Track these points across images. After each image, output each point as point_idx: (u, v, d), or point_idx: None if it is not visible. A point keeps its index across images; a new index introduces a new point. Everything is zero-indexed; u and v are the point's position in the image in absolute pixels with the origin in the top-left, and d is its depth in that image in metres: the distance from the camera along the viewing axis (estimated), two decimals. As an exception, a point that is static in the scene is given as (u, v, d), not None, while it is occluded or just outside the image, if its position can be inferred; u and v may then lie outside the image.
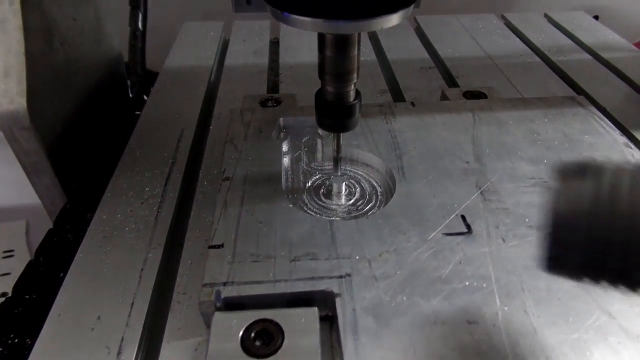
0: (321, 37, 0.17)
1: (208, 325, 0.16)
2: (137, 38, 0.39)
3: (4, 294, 0.32)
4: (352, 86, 0.18)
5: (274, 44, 0.38)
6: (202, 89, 0.31)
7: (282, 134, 0.24)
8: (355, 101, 0.18)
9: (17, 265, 0.34)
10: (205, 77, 0.33)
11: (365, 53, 0.37)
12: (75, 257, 0.19)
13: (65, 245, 0.22)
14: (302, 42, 0.38)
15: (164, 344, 0.16)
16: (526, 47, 0.37)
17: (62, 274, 0.20)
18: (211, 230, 0.19)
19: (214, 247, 0.18)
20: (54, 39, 0.24)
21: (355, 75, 0.18)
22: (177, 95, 0.31)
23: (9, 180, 0.41)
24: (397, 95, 0.32)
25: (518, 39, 0.39)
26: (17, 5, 0.21)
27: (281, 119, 0.25)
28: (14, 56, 0.21)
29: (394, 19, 0.15)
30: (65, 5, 0.26)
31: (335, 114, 0.18)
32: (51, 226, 0.38)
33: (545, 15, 0.43)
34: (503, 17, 0.43)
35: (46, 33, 0.24)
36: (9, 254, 0.35)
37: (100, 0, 0.33)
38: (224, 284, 0.16)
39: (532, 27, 0.40)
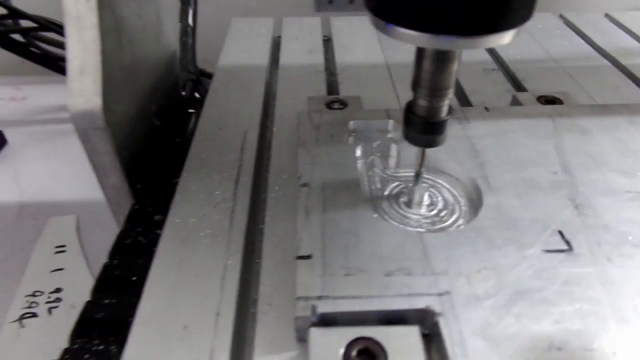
0: (420, 50, 0.16)
1: (300, 339, 0.16)
2: (188, 34, 0.39)
3: (58, 290, 0.32)
4: (446, 101, 0.17)
5: (327, 42, 0.37)
6: (260, 88, 0.31)
7: (353, 138, 0.24)
8: (448, 117, 0.17)
9: (69, 260, 0.34)
10: (261, 76, 0.32)
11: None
12: (154, 263, 0.19)
13: (138, 248, 0.21)
14: (355, 41, 0.37)
15: (256, 357, 0.16)
16: (591, 49, 0.36)
17: (135, 278, 0.20)
18: (296, 239, 0.18)
19: (302, 257, 0.17)
20: (122, 36, 0.24)
21: (451, 90, 0.17)
22: (235, 95, 0.30)
23: (59, 175, 0.41)
24: (463, 98, 0.31)
25: (581, 40, 0.37)
26: (93, 3, 0.20)
27: (351, 122, 0.24)
28: (89, 55, 0.21)
29: (507, 37, 0.14)
30: (131, 2, 0.26)
31: (425, 129, 0.18)
32: (101, 221, 0.38)
33: (607, 15, 0.41)
34: (562, 17, 0.42)
35: (115, 31, 0.23)
36: (61, 249, 0.35)
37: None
38: (319, 297, 0.15)
39: (594, 27, 0.39)
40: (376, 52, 0.35)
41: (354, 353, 0.14)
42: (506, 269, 0.16)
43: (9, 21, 0.40)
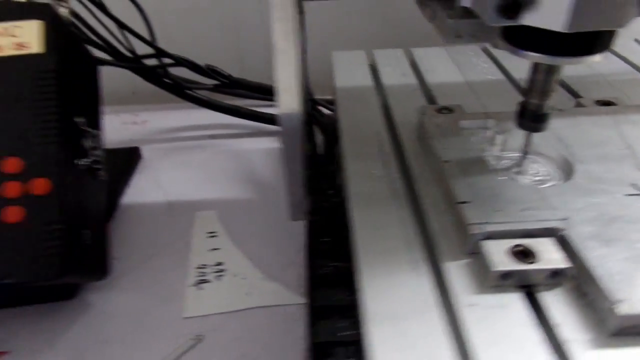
0: (536, 65, 0.25)
1: (470, 252, 0.24)
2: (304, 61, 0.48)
3: (219, 263, 0.41)
4: (549, 100, 0.26)
5: (414, 67, 0.47)
6: (375, 102, 0.40)
7: (466, 132, 0.33)
8: (550, 111, 0.26)
9: (221, 243, 0.43)
10: (372, 94, 0.41)
11: (492, 72, 0.45)
12: (355, 225, 0.27)
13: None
14: (436, 65, 0.46)
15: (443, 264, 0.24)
16: (627, 66, 0.45)
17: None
18: (452, 193, 0.27)
19: (461, 202, 0.26)
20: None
21: (554, 92, 0.26)
22: (358, 107, 0.39)
23: (190, 180, 0.51)
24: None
25: (617, 59, 0.46)
26: (294, 40, 0.30)
27: (463, 121, 0.33)
28: (291, 76, 0.30)
29: (597, 58, 0.23)
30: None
31: (535, 119, 0.26)
32: (233, 214, 0.46)
33: (636, 40, 0.50)
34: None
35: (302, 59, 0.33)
36: (212, 234, 0.44)
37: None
38: (485, 223, 0.24)
39: (628, 49, 0.48)
40: (455, 73, 0.44)
41: (515, 249, 0.23)
42: (602, 206, 0.25)
43: (153, 59, 0.51)
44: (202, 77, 0.55)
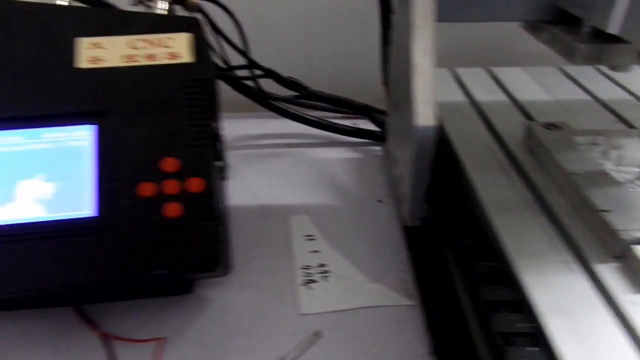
0: None
1: (617, 257, 0.26)
2: (387, 73, 0.51)
3: (322, 265, 0.43)
4: None
5: (499, 85, 0.49)
6: (474, 116, 0.43)
7: (581, 147, 0.35)
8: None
9: (320, 245, 0.45)
10: (469, 108, 0.44)
11: (576, 92, 0.48)
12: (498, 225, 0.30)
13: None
14: (521, 83, 0.49)
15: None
16: None
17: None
18: (588, 201, 0.29)
19: (603, 211, 0.28)
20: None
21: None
22: (461, 121, 0.42)
23: (276, 186, 0.53)
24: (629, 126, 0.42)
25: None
26: (430, 58, 0.32)
27: (576, 137, 0.36)
28: (428, 91, 0.32)
29: None
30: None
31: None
32: (324, 218, 0.48)
33: None
34: None
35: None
36: (310, 237, 0.46)
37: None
38: (632, 230, 0.26)
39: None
40: (542, 92, 0.47)
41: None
42: None
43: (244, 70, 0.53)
44: (276, 87, 0.58)
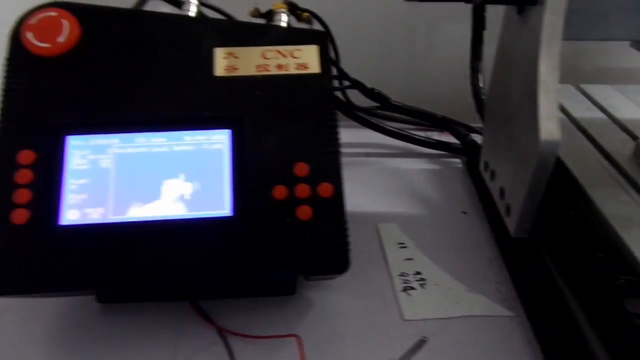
0: None
1: None
2: (477, 86, 0.52)
3: (418, 272, 0.44)
4: None
5: (593, 102, 0.49)
6: (579, 135, 0.43)
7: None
8: None
9: (412, 253, 0.46)
10: (571, 127, 0.44)
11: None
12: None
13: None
14: (614, 101, 0.49)
15: None
16: None
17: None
18: None
19: None
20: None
21: None
22: (567, 140, 0.42)
23: (361, 194, 0.54)
24: None
25: None
26: (556, 74, 0.33)
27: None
28: (553, 105, 0.33)
29: None
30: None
31: None
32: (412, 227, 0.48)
33: None
34: None
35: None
36: (402, 245, 0.47)
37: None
38: None
39: None
40: (637, 110, 0.47)
41: None
42: None
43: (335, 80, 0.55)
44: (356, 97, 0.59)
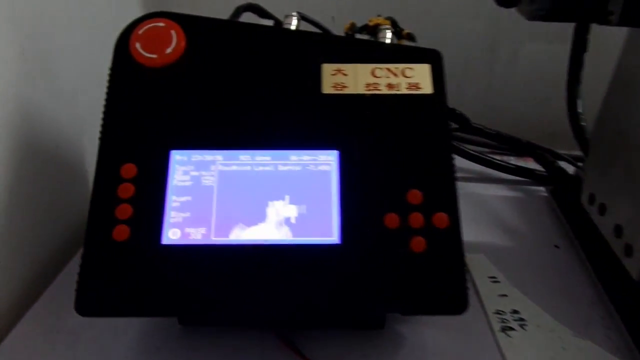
0: None
1: None
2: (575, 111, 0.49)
3: (515, 311, 0.41)
4: None
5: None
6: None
7: None
8: None
9: (506, 289, 0.43)
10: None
11: None
12: None
13: None
14: None
15: None
16: None
17: None
18: None
19: None
20: None
21: None
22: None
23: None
24: None
25: None
26: None
27: None
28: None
29: None
30: None
31: None
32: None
33: None
34: None
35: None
36: (494, 279, 0.44)
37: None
38: None
39: None
40: None
41: None
42: None
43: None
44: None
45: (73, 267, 0.41)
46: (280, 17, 0.42)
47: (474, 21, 0.64)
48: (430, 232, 0.30)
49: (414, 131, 0.32)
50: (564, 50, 0.48)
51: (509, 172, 0.57)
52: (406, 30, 0.40)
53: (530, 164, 0.61)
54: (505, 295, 0.42)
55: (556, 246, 0.48)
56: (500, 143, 0.58)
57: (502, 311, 0.41)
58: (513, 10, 0.37)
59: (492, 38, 0.65)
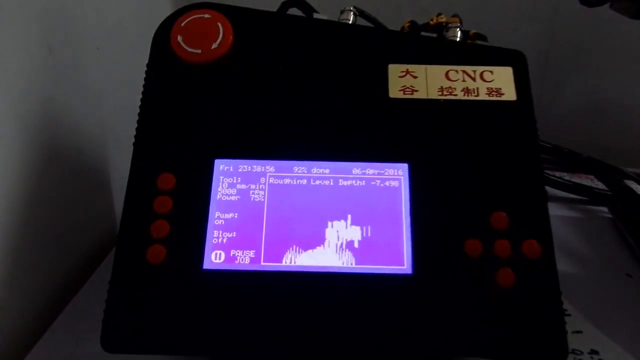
0: None
1: None
2: None
3: (594, 352, 0.36)
4: None
5: None
6: None
7: None
8: None
9: (579, 324, 0.38)
10: None
11: None
12: None
13: None
14: None
15: None
16: None
17: None
18: None
19: None
20: None
21: None
22: None
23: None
24: None
25: None
26: None
27: None
28: None
29: None
30: None
31: None
32: None
33: None
34: None
35: None
36: (565, 312, 0.39)
37: None
38: None
39: None
40: None
41: None
42: None
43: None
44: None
45: (91, 287, 0.37)
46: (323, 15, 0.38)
47: (529, 24, 0.59)
48: (520, 263, 0.25)
49: (497, 144, 0.28)
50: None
51: (566, 189, 0.52)
52: (473, 31, 0.35)
53: (584, 180, 0.56)
54: (580, 332, 0.37)
55: (628, 275, 0.43)
56: (557, 157, 0.53)
57: (579, 351, 0.36)
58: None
59: (546, 47, 0.60)
